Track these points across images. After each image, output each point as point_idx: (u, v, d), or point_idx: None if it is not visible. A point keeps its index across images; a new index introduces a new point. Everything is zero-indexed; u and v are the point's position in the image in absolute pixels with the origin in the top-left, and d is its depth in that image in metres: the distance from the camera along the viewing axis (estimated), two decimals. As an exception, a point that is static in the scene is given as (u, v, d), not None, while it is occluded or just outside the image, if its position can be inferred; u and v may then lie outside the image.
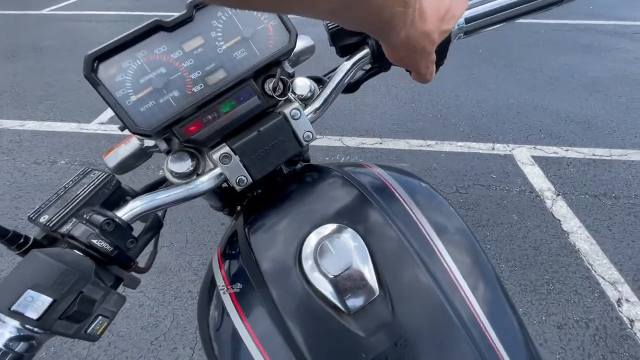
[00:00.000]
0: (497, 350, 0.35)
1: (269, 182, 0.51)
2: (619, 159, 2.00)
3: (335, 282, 0.34)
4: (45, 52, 3.54)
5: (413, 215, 0.41)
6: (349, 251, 0.35)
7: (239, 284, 0.39)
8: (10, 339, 0.27)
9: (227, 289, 0.40)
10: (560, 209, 1.70)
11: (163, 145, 0.45)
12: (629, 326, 1.24)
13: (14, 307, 0.26)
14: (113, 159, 0.50)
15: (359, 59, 0.45)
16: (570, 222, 1.63)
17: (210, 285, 0.44)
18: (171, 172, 0.42)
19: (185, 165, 0.42)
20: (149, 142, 0.48)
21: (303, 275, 0.36)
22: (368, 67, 0.47)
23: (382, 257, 0.36)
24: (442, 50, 0.42)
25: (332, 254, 0.35)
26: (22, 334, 0.27)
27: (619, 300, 1.32)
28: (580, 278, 1.40)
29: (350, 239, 0.36)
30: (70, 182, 0.36)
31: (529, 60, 3.17)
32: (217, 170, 0.40)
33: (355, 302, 0.33)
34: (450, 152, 2.10)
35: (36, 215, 0.33)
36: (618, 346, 1.19)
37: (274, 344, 0.34)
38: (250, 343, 0.35)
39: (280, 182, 0.50)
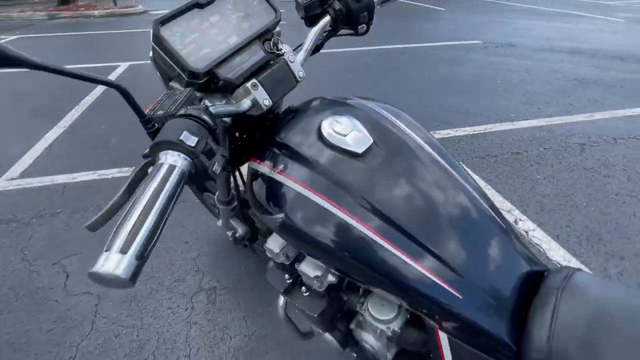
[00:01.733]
0: (457, 178, 0.58)
1: (272, 118, 0.70)
2: (490, 131, 2.66)
3: (346, 138, 0.54)
4: None
5: (392, 117, 0.64)
6: (351, 121, 0.56)
7: (281, 165, 0.57)
8: (181, 157, 0.41)
9: (274, 170, 0.57)
10: (463, 170, 2.19)
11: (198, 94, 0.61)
12: (526, 235, 1.68)
13: (180, 138, 0.41)
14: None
15: (324, 24, 0.68)
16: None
17: (254, 177, 0.60)
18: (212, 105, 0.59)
19: (222, 100, 0.59)
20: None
21: (324, 141, 0.55)
22: (326, 32, 0.71)
23: (370, 125, 0.58)
24: (370, 13, 0.69)
25: (340, 124, 0.56)
26: (185, 156, 0.41)
27: (515, 221, 1.77)
28: (488, 213, 1.83)
29: (350, 117, 0.57)
30: (164, 96, 0.50)
31: (414, 73, 3.95)
32: (250, 97, 0.58)
33: (361, 147, 0.54)
34: (374, 147, 2.50)
35: (153, 112, 0.47)
36: (523, 249, 1.60)
37: (319, 184, 0.53)
38: (303, 189, 0.53)
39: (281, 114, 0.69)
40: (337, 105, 0.63)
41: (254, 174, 0.61)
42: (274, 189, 0.57)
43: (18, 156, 2.40)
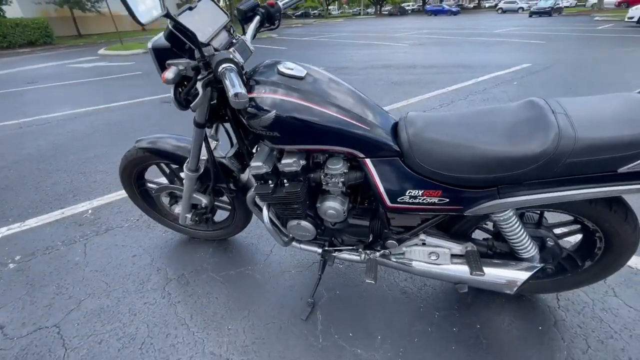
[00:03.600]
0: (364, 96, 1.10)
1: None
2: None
3: (293, 71, 1.00)
4: None
5: (309, 65, 1.12)
6: (293, 63, 1.02)
7: (263, 90, 0.97)
8: (233, 65, 0.79)
9: (261, 94, 0.97)
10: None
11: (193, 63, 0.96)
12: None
13: (230, 57, 0.79)
14: (170, 74, 0.92)
15: (256, 22, 1.13)
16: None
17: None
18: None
19: None
20: (181, 67, 0.95)
21: (282, 74, 0.99)
22: (257, 26, 1.16)
23: (302, 65, 1.05)
24: (280, 14, 1.18)
25: (287, 66, 1.01)
26: (235, 65, 0.79)
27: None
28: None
29: (291, 62, 1.03)
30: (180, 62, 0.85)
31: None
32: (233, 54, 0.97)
33: (302, 74, 1.00)
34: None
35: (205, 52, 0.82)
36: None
37: (287, 93, 0.96)
38: (281, 97, 0.95)
39: None
40: (280, 60, 1.08)
41: (249, 103, 0.99)
42: (264, 103, 0.97)
43: None
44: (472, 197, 0.98)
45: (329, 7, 51.26)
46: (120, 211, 2.12)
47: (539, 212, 1.17)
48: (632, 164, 0.82)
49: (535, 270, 1.06)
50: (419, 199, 1.02)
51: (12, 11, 17.02)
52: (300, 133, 0.99)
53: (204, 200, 1.46)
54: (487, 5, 42.45)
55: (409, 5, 47.37)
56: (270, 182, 1.14)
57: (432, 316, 1.34)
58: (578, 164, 0.84)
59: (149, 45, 0.98)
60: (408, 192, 1.02)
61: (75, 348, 1.27)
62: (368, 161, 1.04)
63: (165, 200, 1.65)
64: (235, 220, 1.63)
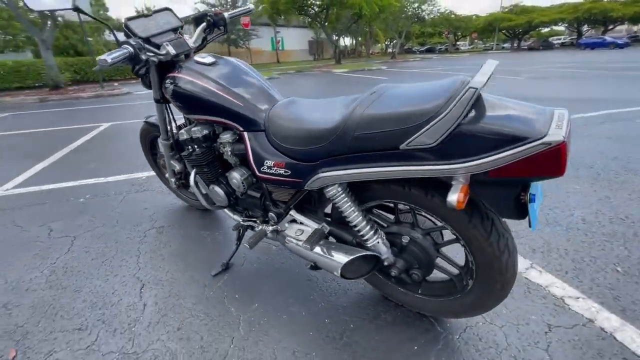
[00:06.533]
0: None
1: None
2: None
3: (204, 59, 1.27)
4: None
5: (227, 57, 1.39)
6: (207, 55, 1.30)
7: (176, 71, 1.28)
8: (130, 45, 1.12)
9: (176, 74, 1.28)
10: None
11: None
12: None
13: (133, 43, 1.13)
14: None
15: (204, 26, 1.47)
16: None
17: (169, 81, 1.30)
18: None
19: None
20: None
21: (197, 62, 1.27)
22: (205, 31, 1.49)
23: (214, 57, 1.31)
24: (224, 23, 1.49)
25: (201, 56, 1.29)
26: (129, 46, 1.12)
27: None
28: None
29: (206, 54, 1.31)
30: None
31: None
32: (165, 50, 1.32)
33: (210, 61, 1.26)
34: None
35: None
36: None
37: (193, 74, 1.24)
38: (186, 77, 1.24)
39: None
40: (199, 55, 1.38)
41: (169, 80, 1.31)
42: (172, 79, 1.27)
43: (14, 175, 2.98)
44: (304, 169, 1.03)
45: (458, 43, 49.55)
46: (160, 181, 2.75)
47: (410, 210, 1.08)
48: (409, 140, 0.76)
49: (357, 255, 0.99)
50: (272, 169, 1.12)
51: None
52: (191, 103, 1.25)
53: (177, 165, 1.85)
54: (676, 36, 33.26)
55: (559, 39, 41.43)
56: (189, 147, 1.42)
57: (316, 305, 1.33)
58: (364, 138, 0.83)
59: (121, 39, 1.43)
60: (265, 162, 1.14)
61: (72, 252, 1.79)
62: (245, 134, 1.21)
63: (167, 167, 2.11)
64: (208, 190, 1.96)
